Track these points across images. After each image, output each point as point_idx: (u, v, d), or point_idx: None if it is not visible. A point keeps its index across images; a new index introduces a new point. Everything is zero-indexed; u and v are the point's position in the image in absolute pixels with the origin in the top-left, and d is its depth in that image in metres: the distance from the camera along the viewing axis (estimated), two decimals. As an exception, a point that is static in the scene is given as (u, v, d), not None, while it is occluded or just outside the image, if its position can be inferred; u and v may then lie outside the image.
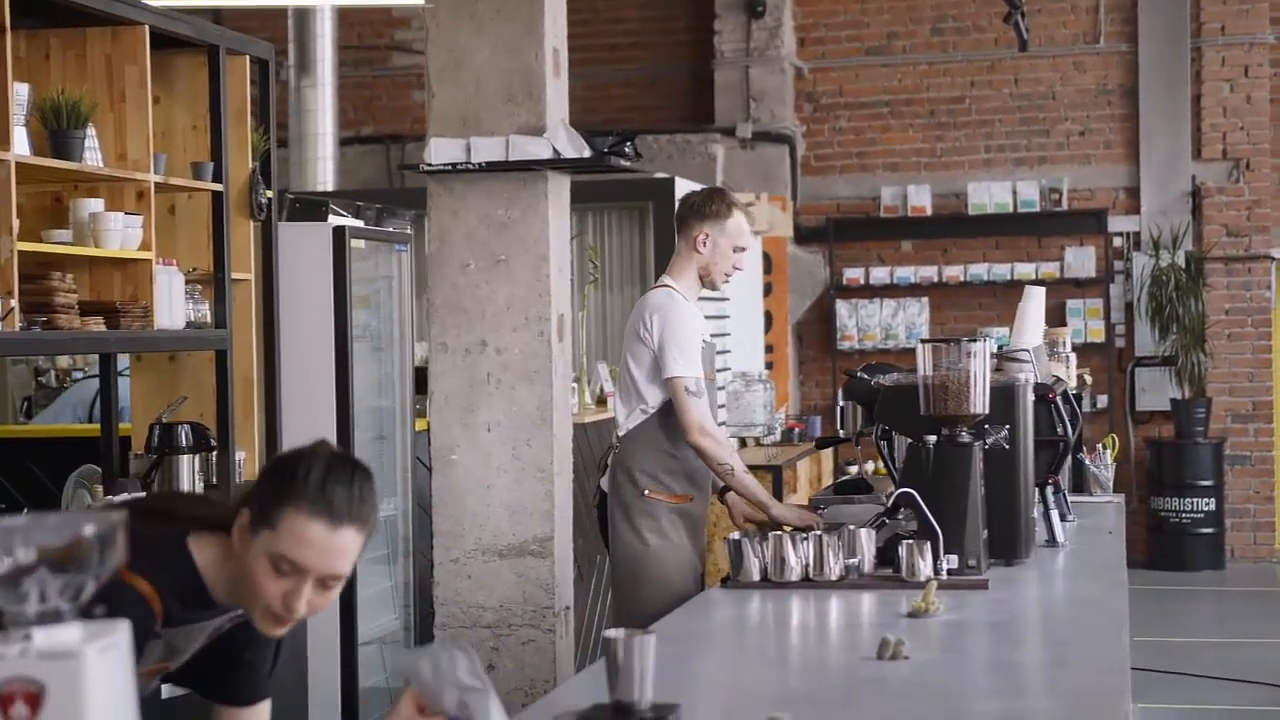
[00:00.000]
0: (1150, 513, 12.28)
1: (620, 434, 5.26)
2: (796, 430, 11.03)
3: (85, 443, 6.00)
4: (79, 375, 8.87)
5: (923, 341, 4.41)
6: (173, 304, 5.22)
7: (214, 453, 5.51)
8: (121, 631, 1.79)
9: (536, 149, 5.61)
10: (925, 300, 12.72)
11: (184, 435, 5.36)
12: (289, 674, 5.61)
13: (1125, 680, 3.01)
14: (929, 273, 12.68)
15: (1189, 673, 8.70)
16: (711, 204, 5.27)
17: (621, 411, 5.28)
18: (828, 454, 11.33)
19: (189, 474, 5.36)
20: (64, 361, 9.04)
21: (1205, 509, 12.10)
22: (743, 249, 5.29)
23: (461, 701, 2.51)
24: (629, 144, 5.99)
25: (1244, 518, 12.44)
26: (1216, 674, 8.65)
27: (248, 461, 5.78)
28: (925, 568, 4.12)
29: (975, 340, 4.36)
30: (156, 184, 5.19)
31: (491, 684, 2.52)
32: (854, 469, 12.21)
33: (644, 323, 5.14)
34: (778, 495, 9.00)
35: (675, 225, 5.38)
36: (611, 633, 2.73)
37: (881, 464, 12.12)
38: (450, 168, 5.62)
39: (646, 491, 5.15)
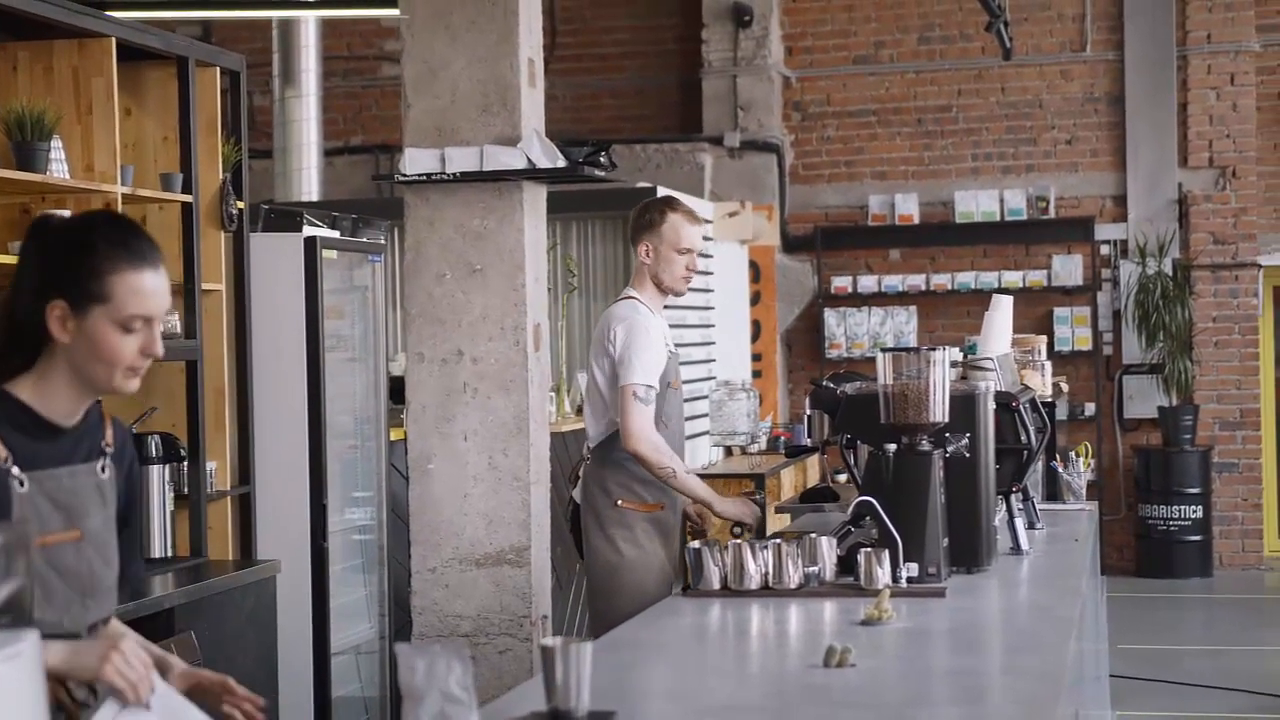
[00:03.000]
0: (1138, 520, 12.29)
1: (591, 445, 5.32)
2: (783, 439, 11.05)
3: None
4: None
5: (883, 350, 4.42)
6: (141, 315, 5.22)
7: (184, 463, 5.53)
8: (28, 641, 1.81)
9: (510, 159, 5.63)
10: (913, 309, 12.73)
11: (154, 446, 5.37)
12: (259, 682, 5.62)
13: (1061, 686, 3.02)
14: (917, 281, 12.69)
15: (1173, 680, 8.71)
16: (645, 214, 5.38)
17: (591, 423, 5.35)
18: (814, 462, 11.35)
19: (159, 485, 5.37)
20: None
21: (1193, 516, 12.11)
22: (688, 250, 5.34)
23: (442, 712, 2.54)
24: (604, 154, 6.01)
25: (1232, 525, 12.45)
26: (1202, 681, 8.66)
27: (219, 472, 5.80)
28: (883, 576, 4.13)
29: (935, 349, 4.37)
30: (125, 195, 5.21)
31: (476, 700, 2.55)
32: (843, 477, 12.23)
33: (608, 335, 5.24)
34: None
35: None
36: (548, 641, 2.75)
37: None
38: (425, 178, 5.64)
39: (619, 502, 5.22)
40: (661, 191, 9.91)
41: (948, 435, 4.44)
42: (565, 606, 7.45)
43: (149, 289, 2.66)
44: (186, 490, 5.56)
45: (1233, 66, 12.43)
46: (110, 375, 2.67)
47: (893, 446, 4.35)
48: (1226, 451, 12.45)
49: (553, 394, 7.99)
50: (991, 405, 4.64)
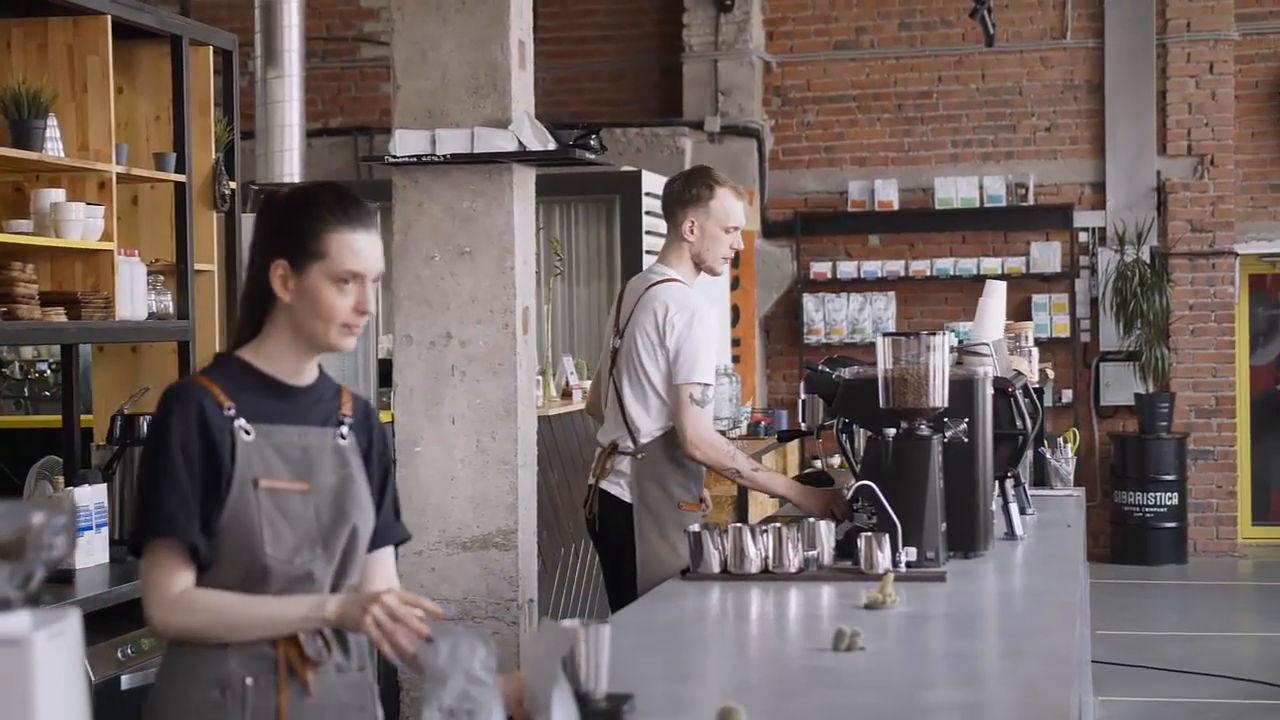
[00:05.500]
0: (1114, 507, 12.35)
1: (642, 440, 4.97)
2: (763, 424, 11.06)
3: (48, 434, 5.98)
4: (43, 367, 8.83)
5: (883, 335, 4.43)
6: (134, 295, 5.20)
7: (176, 444, 5.49)
8: (70, 621, 1.80)
9: (501, 141, 5.61)
10: (892, 294, 12.76)
11: (145, 426, 5.34)
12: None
13: (1071, 670, 3.04)
14: (896, 267, 12.72)
15: (1151, 665, 8.76)
16: (692, 188, 5.03)
17: (640, 416, 4.97)
18: (794, 447, 11.37)
19: (151, 465, 5.34)
20: (28, 352, 9.00)
21: (1168, 503, 12.18)
22: (734, 228, 5.03)
23: (465, 693, 2.55)
24: (594, 137, 5.99)
25: (1206, 512, 12.52)
26: (1178, 667, 8.71)
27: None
28: (884, 560, 4.14)
29: (935, 334, 4.38)
30: (118, 174, 5.18)
31: (498, 684, 2.56)
32: (818, 462, 12.26)
33: (663, 323, 4.90)
34: (741, 488, 8.99)
35: (663, 214, 5.15)
36: (567, 624, 2.75)
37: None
38: (415, 160, 5.62)
39: (681, 504, 4.95)
40: (650, 177, 9.93)
41: (946, 420, 4.44)
42: (551, 590, 7.44)
43: (361, 247, 2.83)
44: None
45: (1212, 55, 12.48)
46: (327, 332, 2.83)
47: (892, 431, 4.36)
48: (1202, 439, 12.51)
49: (538, 378, 7.98)
50: (990, 390, 4.65)
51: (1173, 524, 12.20)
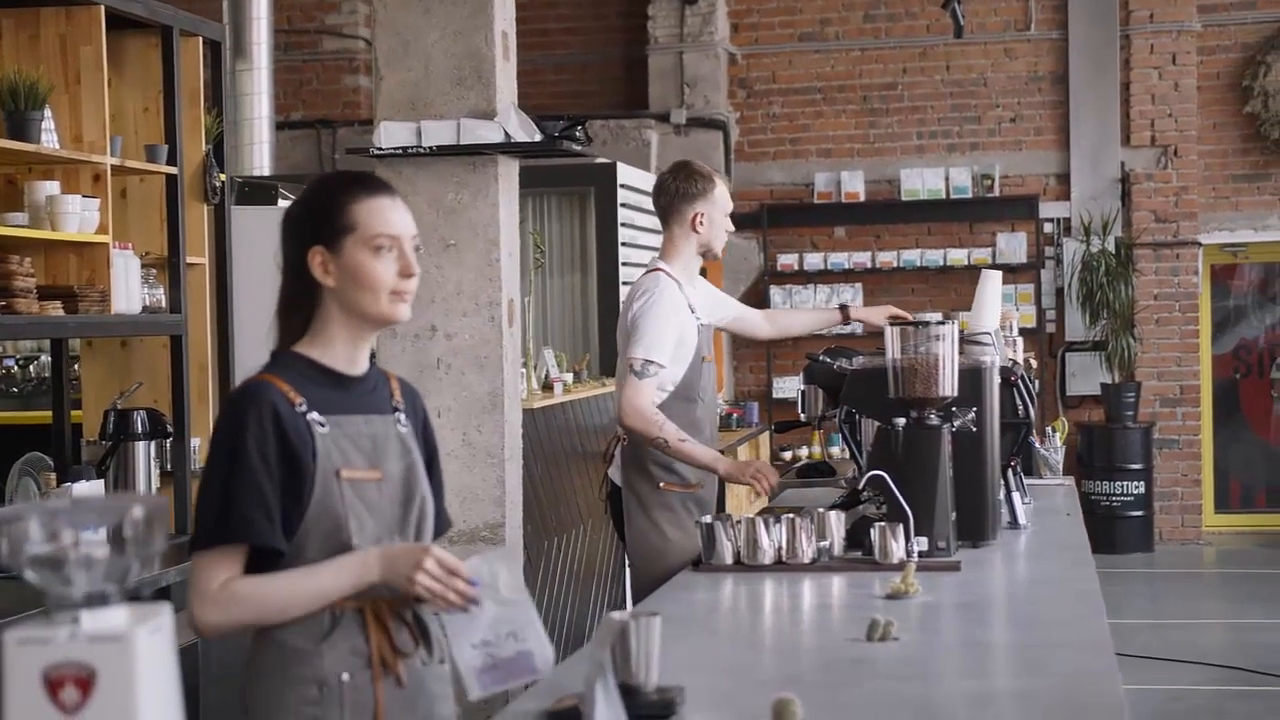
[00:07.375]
0: (1081, 496, 12.36)
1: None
2: (735, 416, 11.09)
3: (34, 430, 5.91)
4: (10, 362, 8.73)
5: (891, 324, 4.42)
6: (129, 288, 5.15)
7: (169, 439, 5.45)
8: (165, 615, 1.77)
9: (488, 133, 5.59)
10: (859, 286, 12.77)
11: (139, 421, 5.29)
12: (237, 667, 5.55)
13: (1113, 659, 3.04)
14: (863, 258, 12.74)
15: (1121, 653, 8.80)
16: (696, 183, 5.19)
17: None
18: (765, 439, 11.40)
19: (144, 460, 5.29)
20: (-3, 348, 8.89)
21: (1135, 492, 12.25)
22: (730, 210, 5.29)
23: (499, 617, 2.55)
24: (580, 128, 5.98)
25: (1172, 500, 12.60)
26: (1148, 654, 8.76)
27: (203, 448, 5.71)
28: (898, 550, 4.14)
29: (944, 323, 4.38)
30: (114, 167, 5.12)
31: (530, 595, 2.56)
32: (787, 455, 12.27)
33: (630, 307, 5.07)
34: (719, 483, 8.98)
35: (660, 213, 5.26)
36: (618, 615, 2.73)
37: (819, 449, 12.13)
38: (400, 151, 5.58)
39: (662, 484, 5.07)
40: (625, 170, 9.90)
41: (954, 409, 4.44)
42: (535, 583, 7.41)
43: (388, 211, 2.83)
44: (171, 467, 5.47)
45: (1174, 46, 12.55)
46: (377, 302, 2.80)
47: (902, 421, 4.35)
48: (1167, 428, 12.59)
49: (521, 371, 7.95)
50: (997, 379, 4.66)
51: (1139, 512, 12.27)
